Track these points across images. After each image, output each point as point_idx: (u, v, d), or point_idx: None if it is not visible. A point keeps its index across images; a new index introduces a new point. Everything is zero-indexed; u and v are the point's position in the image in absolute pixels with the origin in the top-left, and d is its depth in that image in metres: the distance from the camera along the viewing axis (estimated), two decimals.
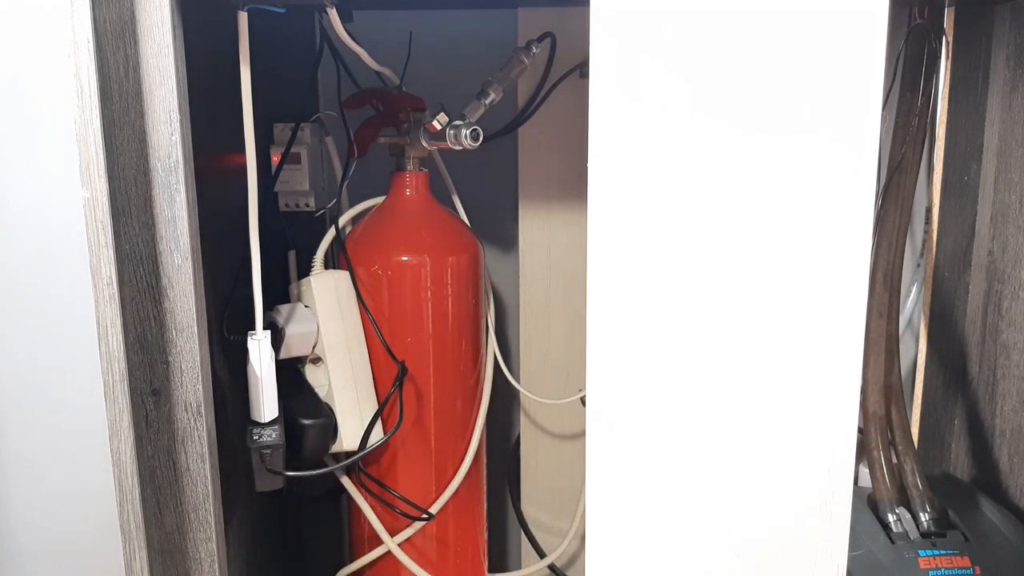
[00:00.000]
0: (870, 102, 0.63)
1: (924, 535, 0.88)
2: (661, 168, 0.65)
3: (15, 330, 0.73)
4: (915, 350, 1.17)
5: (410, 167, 0.99)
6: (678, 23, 0.63)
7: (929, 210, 1.12)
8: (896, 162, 0.94)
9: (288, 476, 0.89)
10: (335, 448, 0.94)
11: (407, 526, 1.01)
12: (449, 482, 1.02)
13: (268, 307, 0.92)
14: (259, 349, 0.84)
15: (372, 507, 1.01)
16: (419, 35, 1.03)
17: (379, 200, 1.03)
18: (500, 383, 1.10)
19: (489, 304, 1.07)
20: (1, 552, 0.76)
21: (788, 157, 0.64)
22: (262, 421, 0.86)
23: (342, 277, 0.97)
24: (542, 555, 1.22)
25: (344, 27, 0.86)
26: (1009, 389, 0.96)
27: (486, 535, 1.12)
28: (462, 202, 1.10)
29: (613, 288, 0.67)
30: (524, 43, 0.99)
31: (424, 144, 0.96)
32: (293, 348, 0.93)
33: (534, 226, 1.17)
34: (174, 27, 0.68)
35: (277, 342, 0.90)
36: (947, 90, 1.07)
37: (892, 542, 0.87)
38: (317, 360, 0.95)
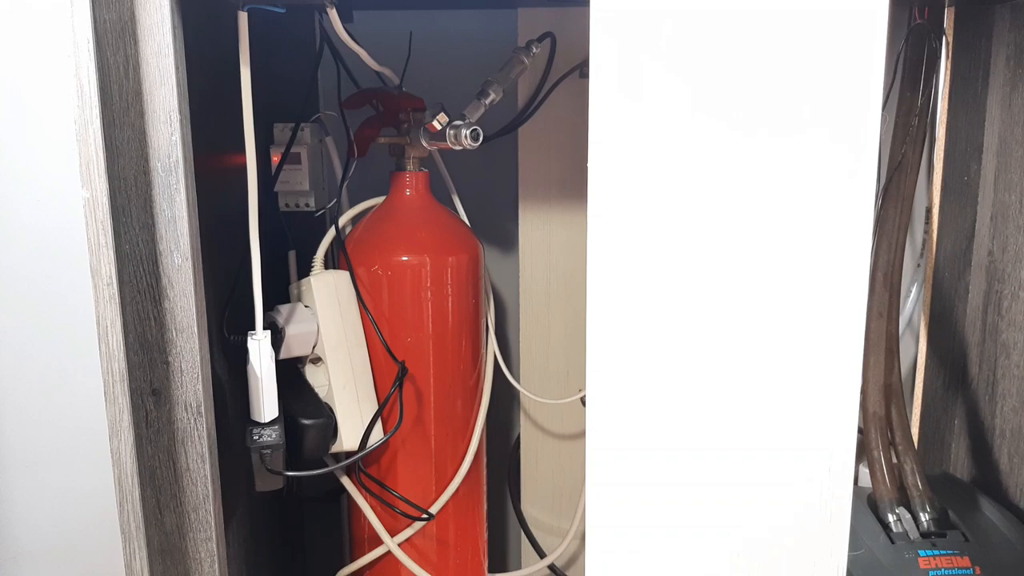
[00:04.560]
0: (870, 102, 0.63)
1: (924, 535, 0.88)
2: (661, 168, 0.65)
3: (15, 330, 0.73)
4: (915, 350, 1.17)
5: (410, 167, 0.99)
6: (678, 23, 0.63)
7: (929, 210, 1.12)
8: (896, 162, 0.94)
9: (288, 476, 0.89)
10: (335, 448, 0.94)
11: (407, 526, 1.01)
12: (449, 482, 1.02)
13: (268, 307, 0.92)
14: (259, 349, 0.84)
15: (372, 507, 1.01)
16: (419, 35, 1.03)
17: (379, 200, 1.03)
18: (500, 383, 1.10)
19: (489, 304, 1.07)
20: (1, 552, 0.76)
21: (788, 157, 0.64)
22: (262, 421, 0.86)
23: (342, 277, 0.97)
24: (542, 555, 1.22)
25: (344, 27, 0.86)
26: (1009, 389, 0.96)
27: (486, 535, 1.12)
28: (462, 202, 1.10)
29: (613, 288, 0.67)
30: (524, 43, 0.99)
31: (424, 144, 0.96)
32: (293, 348, 0.93)
33: (534, 226, 1.17)
34: (174, 27, 0.68)
35: (277, 342, 0.90)
36: (947, 90, 1.07)
37: (892, 542, 0.87)
38: (317, 360, 0.95)
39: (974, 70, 1.01)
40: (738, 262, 0.66)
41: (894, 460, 0.94)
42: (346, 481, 1.01)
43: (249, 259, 0.83)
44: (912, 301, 1.15)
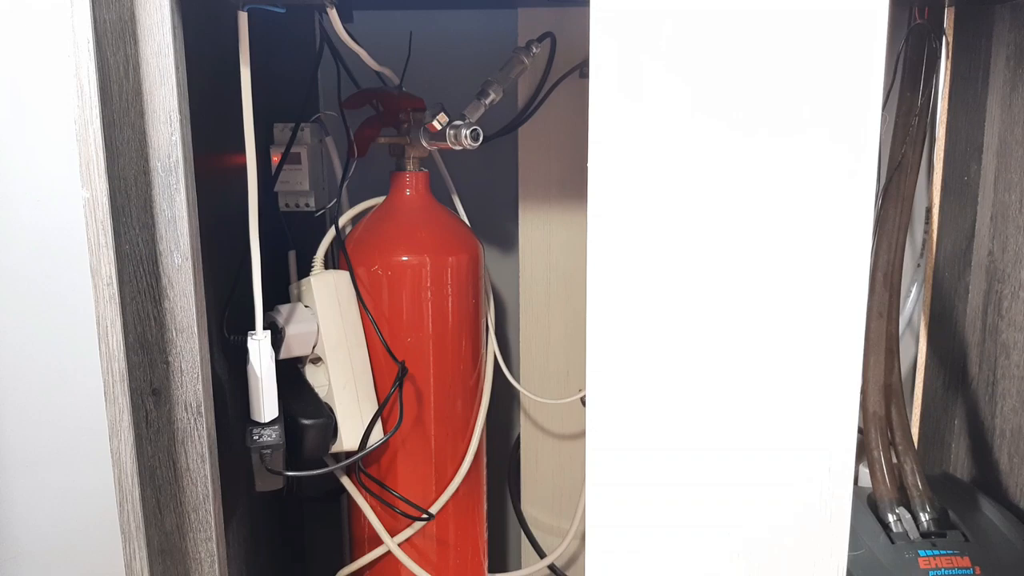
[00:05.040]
0: (870, 102, 0.63)
1: (924, 535, 0.88)
2: (661, 168, 0.65)
3: (15, 330, 0.73)
4: (915, 350, 1.17)
5: (410, 167, 0.99)
6: (678, 23, 0.63)
7: (929, 210, 1.12)
8: (896, 162, 0.94)
9: (288, 476, 0.89)
10: (335, 448, 0.94)
11: (407, 526, 1.01)
12: (449, 482, 1.02)
13: (268, 307, 0.92)
14: (259, 349, 0.84)
15: (372, 507, 1.01)
16: (419, 35, 1.03)
17: (379, 200, 1.03)
18: (500, 383, 1.10)
19: (489, 304, 1.07)
20: (1, 552, 0.76)
21: (788, 157, 0.64)
22: (262, 421, 0.85)
23: (342, 277, 0.97)
24: (542, 555, 1.22)
25: (344, 27, 0.86)
26: (1009, 389, 0.96)
27: (486, 535, 1.12)
28: (462, 202, 1.10)
29: (613, 288, 0.67)
30: (524, 43, 0.99)
31: (424, 144, 0.96)
32: (293, 348, 0.93)
33: (534, 226, 1.17)
34: (174, 27, 0.68)
35: (277, 342, 0.90)
36: (947, 90, 1.07)
37: (892, 542, 0.87)
38: (317, 360, 0.95)
39: (974, 70, 1.01)
40: (738, 262, 0.66)
41: (894, 460, 0.94)
42: (346, 481, 1.01)
43: (249, 259, 0.83)
44: (912, 301, 1.15)
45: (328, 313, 0.94)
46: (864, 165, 0.64)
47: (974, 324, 1.03)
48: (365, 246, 0.98)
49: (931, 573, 0.84)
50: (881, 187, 0.95)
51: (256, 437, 0.85)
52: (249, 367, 0.85)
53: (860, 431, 0.90)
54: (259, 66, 0.81)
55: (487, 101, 0.95)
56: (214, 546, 0.76)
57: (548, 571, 1.22)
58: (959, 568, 0.84)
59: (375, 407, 0.97)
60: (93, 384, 0.71)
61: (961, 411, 1.06)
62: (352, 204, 1.05)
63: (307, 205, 1.05)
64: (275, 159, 1.02)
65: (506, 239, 1.22)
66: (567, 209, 1.15)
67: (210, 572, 0.77)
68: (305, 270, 0.98)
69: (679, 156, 0.64)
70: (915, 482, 0.92)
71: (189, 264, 0.71)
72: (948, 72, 1.06)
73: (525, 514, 1.24)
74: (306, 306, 0.95)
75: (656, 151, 0.64)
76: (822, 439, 0.68)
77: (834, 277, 0.66)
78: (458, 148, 0.92)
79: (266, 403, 0.85)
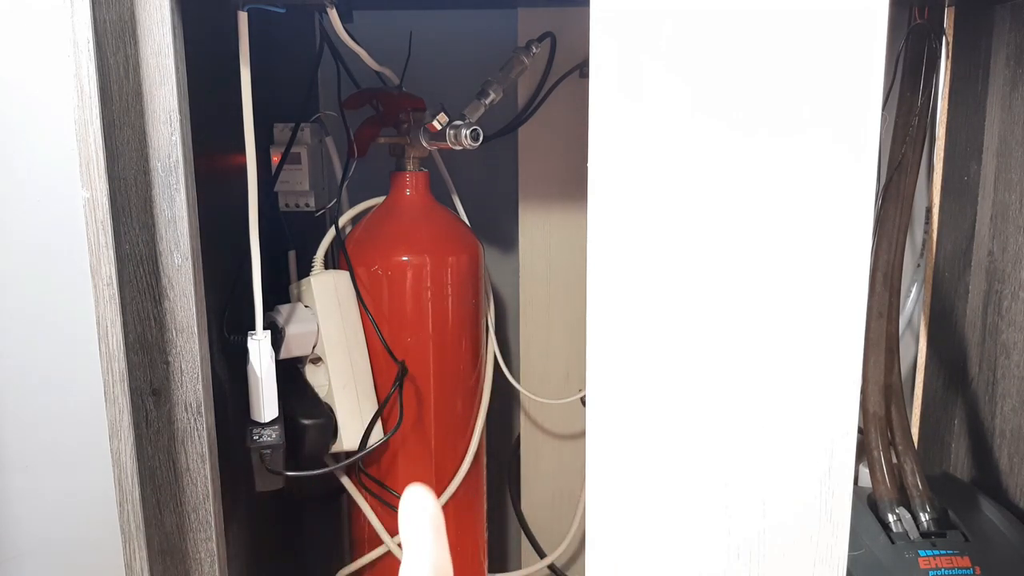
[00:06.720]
0: (870, 102, 0.63)
1: (924, 535, 0.88)
2: (661, 168, 0.65)
3: (14, 330, 0.73)
4: (915, 350, 1.17)
5: (410, 167, 1.00)
6: (678, 23, 0.63)
7: (929, 210, 1.12)
8: (896, 162, 0.94)
9: (288, 476, 0.89)
10: (335, 448, 0.94)
11: None
12: (449, 482, 1.02)
13: (268, 307, 0.92)
14: (259, 349, 0.84)
15: (372, 507, 1.01)
16: (419, 35, 1.03)
17: (379, 200, 1.03)
18: (500, 383, 1.10)
19: (489, 304, 1.07)
20: (1, 552, 0.76)
21: (788, 157, 0.64)
22: (262, 421, 0.85)
23: (342, 277, 0.97)
24: (542, 555, 1.22)
25: (344, 27, 0.86)
26: (1009, 389, 0.96)
27: (486, 535, 1.12)
28: (462, 202, 1.10)
29: (613, 288, 0.67)
30: (524, 43, 0.99)
31: (424, 144, 0.96)
32: (293, 348, 0.93)
33: (534, 226, 1.17)
34: (174, 27, 0.68)
35: (277, 342, 0.90)
36: (947, 90, 1.07)
37: (892, 542, 0.87)
38: (317, 360, 0.95)
39: (974, 70, 1.01)
40: (738, 262, 0.66)
41: (894, 460, 0.94)
42: (346, 481, 1.01)
43: (249, 259, 0.83)
44: (912, 301, 1.15)
45: (328, 313, 0.94)
46: (864, 165, 0.64)
47: (974, 324, 1.03)
48: (365, 246, 0.98)
49: (931, 573, 0.84)
50: (881, 187, 0.95)
51: (256, 437, 0.85)
52: (249, 367, 0.85)
53: (860, 431, 0.90)
54: (259, 66, 0.81)
55: (487, 101, 0.95)
56: (214, 546, 0.76)
57: (548, 571, 1.22)
58: (959, 568, 0.84)
59: (375, 407, 0.97)
60: (93, 384, 0.71)
61: (961, 411, 1.06)
62: (352, 204, 1.05)
63: (307, 205, 1.05)
64: (275, 159, 1.02)
65: (506, 239, 1.22)
66: (567, 209, 1.15)
67: (210, 572, 0.77)
68: (305, 270, 0.98)
69: (679, 156, 0.64)
70: (915, 482, 0.92)
71: (189, 264, 0.71)
72: (948, 72, 1.06)
73: (525, 514, 1.24)
74: (306, 306, 0.95)
75: (656, 151, 0.64)
76: (822, 439, 0.68)
77: (834, 277, 0.65)
78: (458, 148, 0.92)
79: (266, 403, 0.85)
